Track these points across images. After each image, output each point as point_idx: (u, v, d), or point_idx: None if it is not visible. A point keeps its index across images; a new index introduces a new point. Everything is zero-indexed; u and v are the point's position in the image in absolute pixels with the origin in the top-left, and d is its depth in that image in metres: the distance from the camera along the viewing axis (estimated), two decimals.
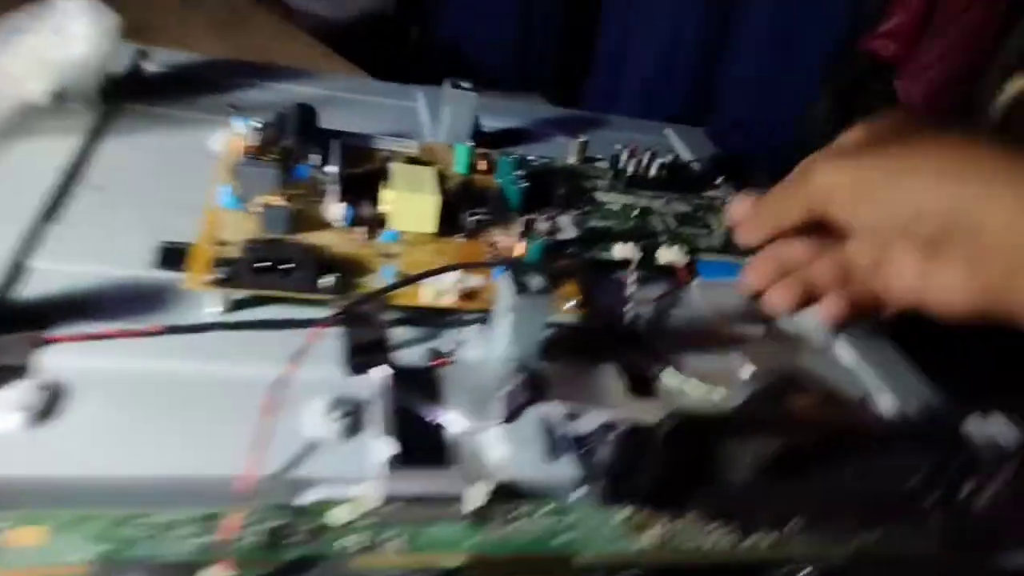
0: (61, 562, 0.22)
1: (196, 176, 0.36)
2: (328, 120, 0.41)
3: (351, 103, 0.49)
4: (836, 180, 0.25)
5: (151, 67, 0.46)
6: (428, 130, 0.47)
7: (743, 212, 0.28)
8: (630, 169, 0.44)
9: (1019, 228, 0.22)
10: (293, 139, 0.36)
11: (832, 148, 0.26)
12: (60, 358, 0.25)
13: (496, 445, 0.26)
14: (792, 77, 1.19)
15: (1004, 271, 0.23)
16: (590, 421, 0.28)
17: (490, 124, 0.50)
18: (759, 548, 0.29)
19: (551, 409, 0.28)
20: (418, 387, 0.27)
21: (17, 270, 0.28)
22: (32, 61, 0.33)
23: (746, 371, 0.31)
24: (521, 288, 0.27)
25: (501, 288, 0.28)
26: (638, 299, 0.34)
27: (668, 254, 0.38)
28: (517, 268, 0.28)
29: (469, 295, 0.31)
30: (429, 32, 1.72)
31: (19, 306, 0.27)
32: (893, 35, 1.05)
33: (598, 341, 0.32)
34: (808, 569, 0.29)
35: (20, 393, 0.23)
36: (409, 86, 0.54)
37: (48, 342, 0.25)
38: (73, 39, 0.34)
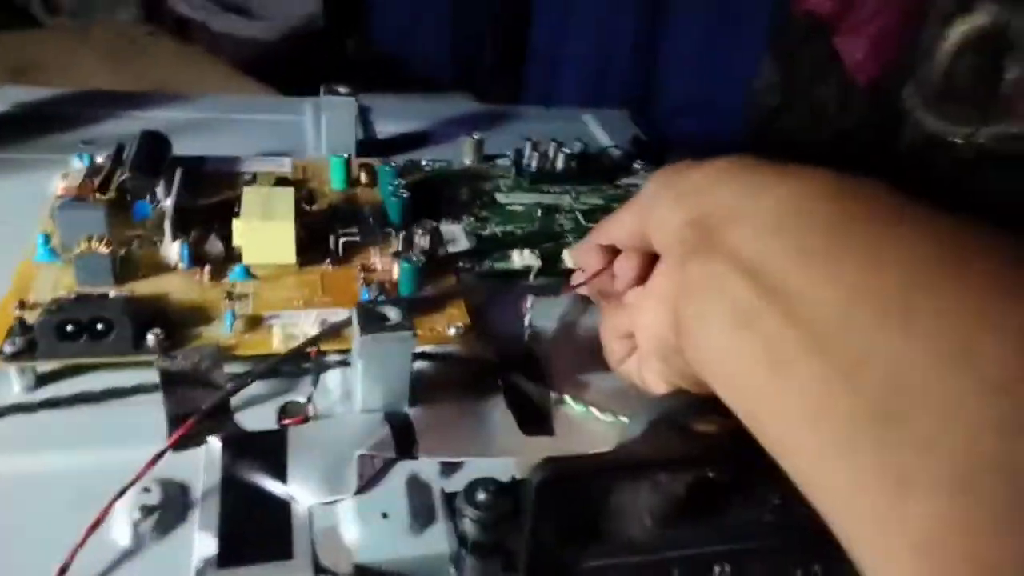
0: None
1: (21, 226, 0.31)
2: (202, 146, 0.37)
3: (235, 124, 0.44)
4: (656, 188, 0.23)
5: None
6: (312, 145, 0.43)
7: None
8: (533, 164, 0.40)
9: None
10: (130, 173, 0.31)
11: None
12: None
13: (349, 521, 0.22)
14: (734, 52, 1.15)
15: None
16: (470, 475, 0.24)
17: (387, 129, 0.45)
18: None
19: (421, 467, 0.24)
20: (256, 456, 0.23)
21: None
22: None
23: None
24: (371, 326, 0.23)
25: (354, 327, 0.24)
26: (538, 313, 0.30)
27: (572, 258, 0.33)
28: (372, 301, 0.24)
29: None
30: (365, 42, 1.68)
31: None
32: None
33: (485, 372, 0.27)
34: None
35: None
36: (299, 99, 0.49)
37: None
38: None
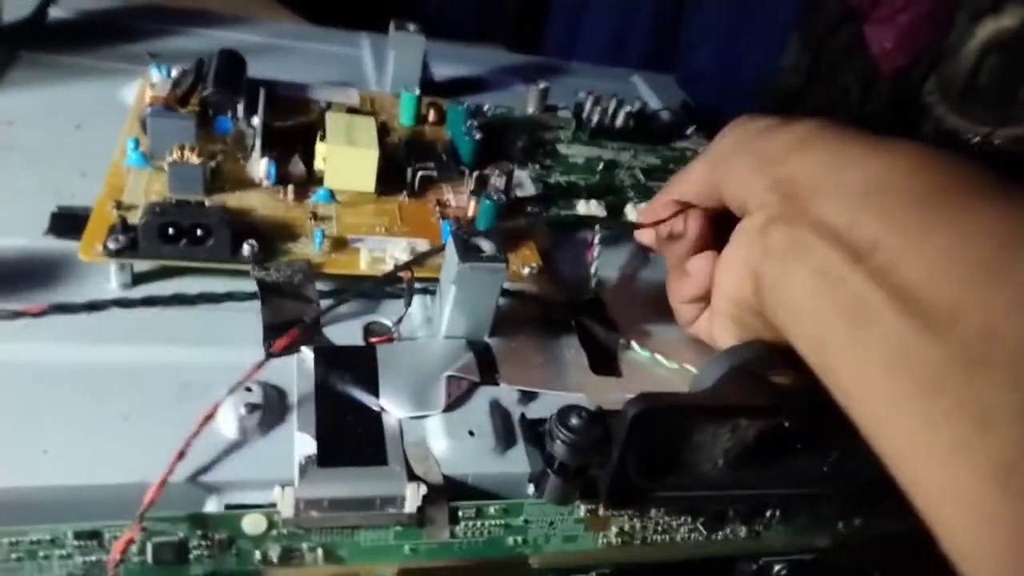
0: None
1: (102, 131, 0.32)
2: (262, 70, 0.37)
3: (290, 51, 0.44)
4: (732, 143, 0.25)
5: (58, 12, 0.41)
6: (373, 80, 0.43)
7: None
8: (594, 119, 0.40)
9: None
10: (213, 88, 0.31)
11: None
12: None
13: (437, 437, 0.23)
14: (760, 26, 1.15)
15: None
16: (545, 406, 0.25)
17: (443, 72, 0.45)
18: (733, 540, 0.26)
19: (501, 393, 0.25)
20: (348, 370, 0.24)
21: None
22: None
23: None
24: (469, 255, 0.24)
25: (447, 255, 0.25)
26: (603, 263, 0.31)
27: (637, 211, 0.34)
28: (465, 232, 0.25)
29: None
30: None
31: None
32: None
33: (557, 312, 0.29)
34: (783, 564, 0.27)
35: None
36: (354, 32, 0.49)
37: None
38: None
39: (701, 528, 0.26)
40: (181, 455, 0.20)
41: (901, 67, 1.09)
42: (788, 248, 0.21)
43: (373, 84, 0.42)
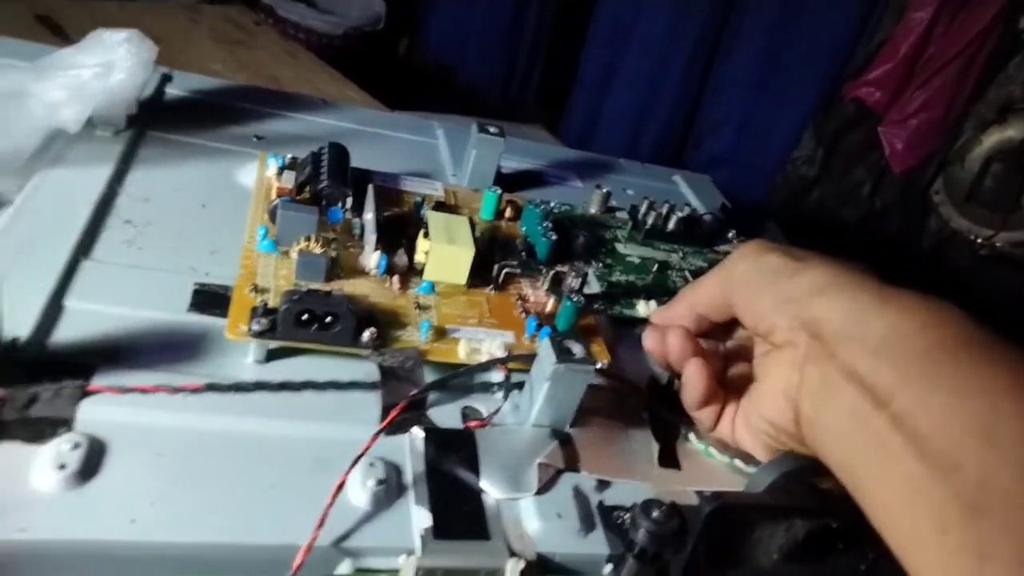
0: None
1: (225, 211, 0.36)
2: (352, 157, 0.41)
3: (372, 137, 0.49)
4: (749, 268, 0.29)
5: (174, 91, 0.45)
6: (448, 167, 0.48)
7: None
8: (649, 221, 0.44)
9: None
10: (328, 182, 0.35)
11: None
12: (101, 411, 0.25)
13: (530, 518, 0.26)
14: (775, 119, 1.21)
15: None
16: (621, 492, 0.28)
17: (504, 164, 0.50)
18: None
19: (582, 479, 0.28)
20: (452, 450, 0.27)
21: (56, 311, 0.28)
22: (70, 89, 0.33)
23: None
24: (563, 357, 0.28)
25: (542, 353, 0.29)
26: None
27: (648, 309, 0.38)
28: (559, 335, 0.28)
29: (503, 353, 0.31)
30: (416, 45, 1.73)
31: (58, 351, 0.26)
32: (878, 83, 1.08)
33: (625, 404, 0.32)
34: None
35: (61, 450, 0.23)
36: (428, 119, 0.54)
37: (87, 393, 0.25)
38: (113, 69, 0.34)
39: None
40: (321, 524, 0.23)
41: (911, 167, 1.14)
42: (822, 386, 0.25)
43: (449, 172, 0.47)
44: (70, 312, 0.28)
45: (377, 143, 0.48)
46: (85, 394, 0.25)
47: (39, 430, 0.23)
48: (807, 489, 0.27)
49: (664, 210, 0.45)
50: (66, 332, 0.27)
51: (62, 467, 0.22)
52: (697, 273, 0.43)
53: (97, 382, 0.25)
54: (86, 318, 0.28)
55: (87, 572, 0.22)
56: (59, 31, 0.65)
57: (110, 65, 0.33)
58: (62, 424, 0.24)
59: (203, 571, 0.23)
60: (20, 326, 0.26)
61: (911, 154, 1.09)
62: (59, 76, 0.33)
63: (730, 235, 0.48)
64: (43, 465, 0.22)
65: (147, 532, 0.22)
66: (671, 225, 0.45)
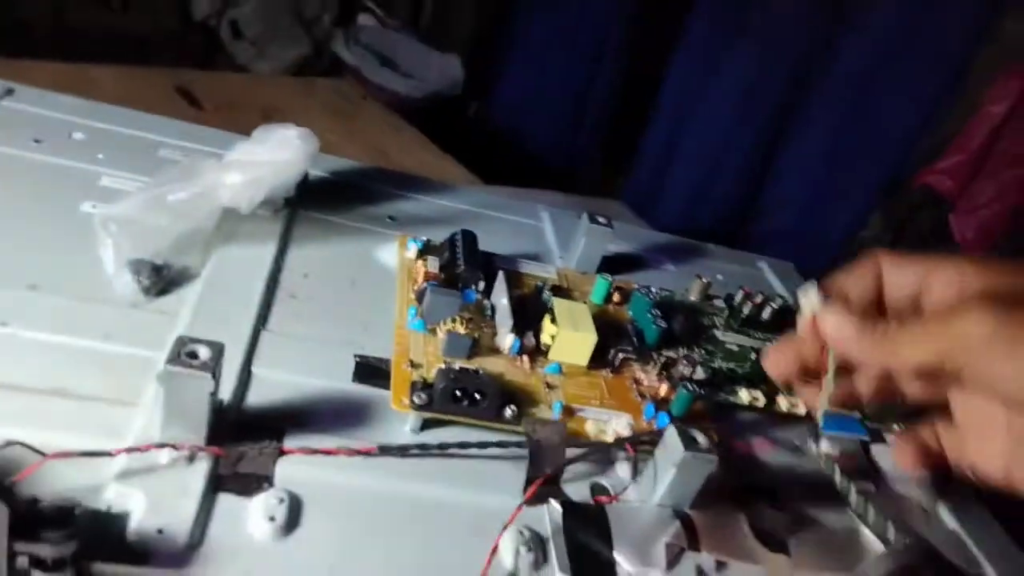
0: None
1: (371, 288, 0.41)
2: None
3: (484, 218, 0.53)
4: (993, 332, 0.25)
5: (315, 171, 0.50)
6: (555, 250, 0.52)
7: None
8: (745, 311, 0.47)
9: None
10: (465, 267, 0.40)
11: (976, 294, 0.27)
12: (293, 469, 0.29)
13: None
14: (839, 200, 1.24)
15: None
16: (738, 572, 0.31)
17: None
18: None
19: (703, 559, 0.31)
20: (587, 523, 0.31)
21: (247, 376, 0.32)
22: (249, 176, 0.38)
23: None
24: (691, 446, 0.31)
25: (668, 440, 0.32)
26: (764, 451, 0.37)
27: (787, 402, 0.41)
28: (683, 425, 0.32)
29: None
30: (486, 108, 1.80)
31: (251, 414, 0.30)
32: (950, 172, 1.10)
33: (732, 491, 0.35)
34: None
35: (270, 503, 0.27)
36: (533, 204, 0.58)
37: (283, 453, 0.29)
38: (284, 161, 0.39)
39: None
40: None
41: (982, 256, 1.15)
42: None
43: (556, 255, 0.51)
44: (257, 378, 0.32)
45: (489, 224, 0.52)
46: (281, 454, 0.29)
47: (247, 485, 0.27)
48: None
49: (759, 300, 0.48)
50: (256, 397, 0.31)
51: (272, 519, 0.26)
52: None
53: (287, 443, 0.29)
54: (270, 385, 0.32)
55: None
56: (195, 102, 0.72)
57: (287, 162, 0.38)
58: (265, 480, 0.28)
59: None
60: (222, 391, 0.30)
61: (982, 243, 1.10)
62: (243, 169, 0.38)
63: None
64: (256, 516, 0.26)
65: (344, 574, 0.26)
66: (765, 315, 0.48)
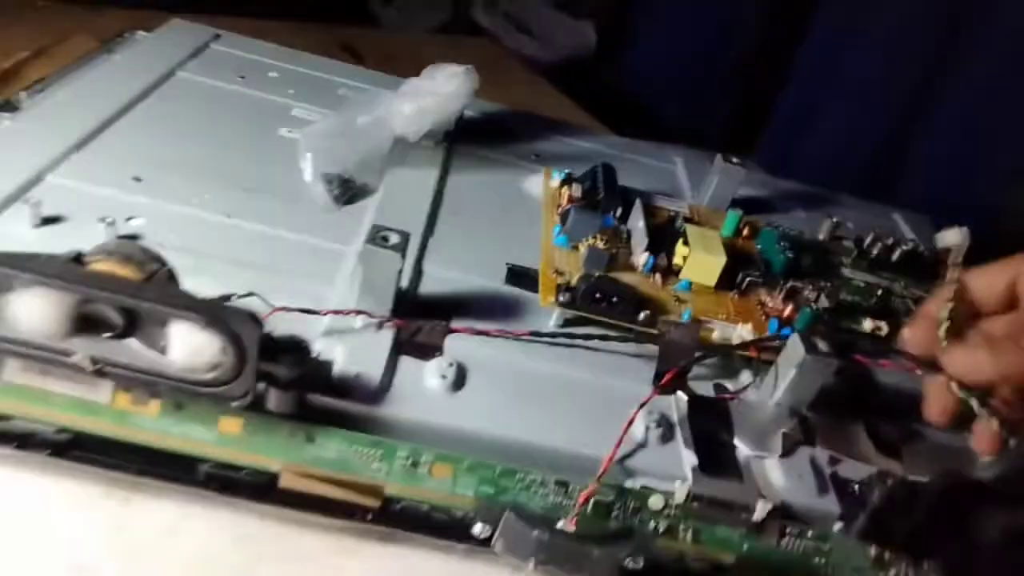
0: (459, 494, 0.30)
1: (520, 211, 0.45)
2: None
3: (621, 159, 0.56)
4: None
5: (469, 113, 0.55)
6: (687, 189, 0.54)
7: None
8: (874, 251, 0.49)
9: None
10: (605, 194, 0.44)
11: None
12: (460, 344, 0.34)
13: (775, 473, 0.32)
14: (988, 163, 1.17)
15: None
16: (851, 468, 0.34)
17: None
18: None
19: (817, 453, 0.34)
20: (711, 413, 0.34)
21: (419, 272, 0.38)
22: (420, 109, 0.43)
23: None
24: (811, 349, 0.33)
25: (791, 344, 0.34)
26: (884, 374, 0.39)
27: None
28: (808, 333, 0.34)
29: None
30: (619, 73, 1.81)
31: (423, 300, 0.36)
32: None
33: (850, 401, 0.37)
34: None
35: (442, 365, 0.32)
36: (665, 147, 0.61)
37: (451, 331, 0.34)
38: (449, 95, 0.44)
39: None
40: (618, 446, 0.31)
41: None
42: None
43: (688, 194, 0.54)
44: (427, 274, 0.38)
45: (626, 165, 0.55)
46: (449, 331, 0.34)
47: (423, 352, 0.33)
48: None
49: (889, 242, 0.49)
50: (427, 287, 0.37)
51: (443, 377, 0.31)
52: (919, 301, 0.47)
53: (454, 325, 0.35)
54: (437, 279, 0.38)
55: (455, 448, 0.30)
56: (356, 56, 0.79)
57: (451, 95, 0.43)
58: (436, 350, 0.33)
59: (529, 462, 0.30)
60: (401, 281, 0.36)
61: None
62: (415, 99, 0.43)
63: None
64: (431, 373, 0.32)
65: (499, 428, 0.31)
66: (895, 256, 0.49)
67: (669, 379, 0.34)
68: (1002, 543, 0.30)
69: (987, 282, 0.32)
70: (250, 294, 0.30)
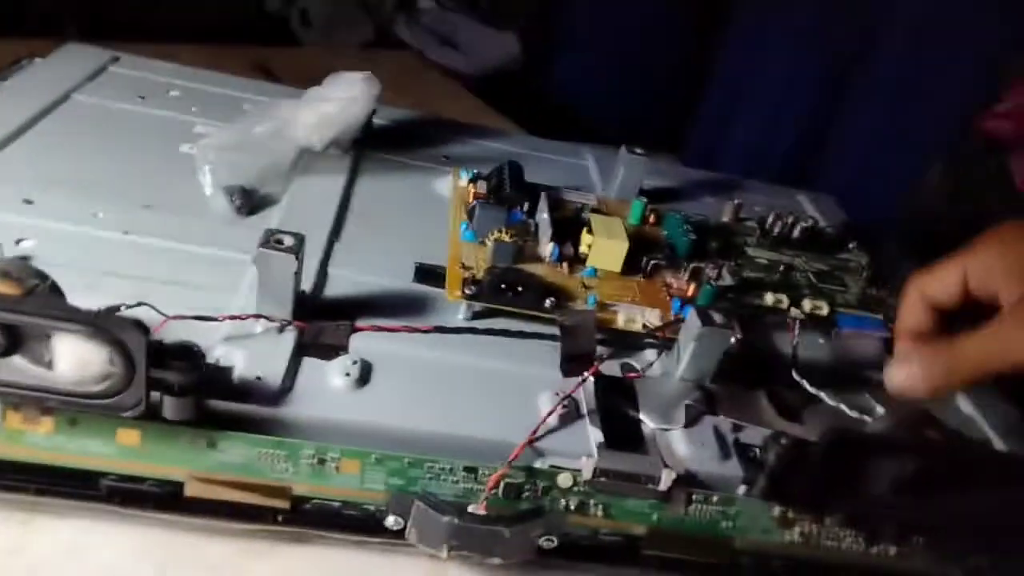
0: (368, 489, 0.30)
1: (427, 212, 0.46)
2: None
3: (532, 158, 0.57)
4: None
5: (378, 120, 0.56)
6: (598, 184, 0.56)
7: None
8: (776, 230, 0.51)
9: None
10: (511, 190, 0.44)
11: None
12: (365, 343, 0.34)
13: (680, 443, 0.33)
14: (900, 151, 1.22)
15: None
16: (753, 434, 0.35)
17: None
18: (885, 556, 0.35)
19: (720, 421, 0.35)
20: (616, 392, 0.35)
21: (324, 276, 0.38)
22: (322, 117, 0.43)
23: (878, 412, 0.37)
24: (707, 321, 0.35)
25: (689, 320, 0.36)
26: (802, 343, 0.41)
27: (811, 305, 0.44)
28: (704, 308, 0.36)
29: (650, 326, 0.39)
30: (543, 84, 1.84)
31: (328, 302, 0.36)
32: (1009, 116, 1.07)
33: (752, 372, 0.39)
34: None
35: (345, 363, 0.32)
36: (577, 145, 0.62)
37: (356, 330, 0.34)
38: (352, 102, 0.44)
39: (861, 541, 0.34)
40: (535, 431, 0.31)
41: None
42: None
43: (599, 187, 0.55)
44: (332, 277, 0.38)
45: (537, 163, 0.57)
46: (354, 330, 0.34)
47: (326, 352, 0.33)
48: (918, 435, 0.33)
49: (789, 220, 0.51)
50: (332, 290, 0.37)
51: (347, 375, 0.32)
52: (820, 275, 0.49)
53: (358, 324, 0.35)
54: (343, 282, 0.38)
55: (361, 444, 0.31)
56: (272, 75, 0.79)
57: (353, 100, 0.44)
58: (341, 349, 0.33)
59: (439, 453, 0.31)
60: (304, 285, 0.36)
61: None
62: (314, 107, 0.43)
63: (851, 245, 0.54)
64: (334, 372, 0.32)
65: (407, 421, 0.31)
66: (796, 234, 0.51)
67: (588, 375, 0.34)
68: (892, 492, 0.32)
69: (940, 286, 0.33)
70: (139, 304, 0.29)
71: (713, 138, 1.48)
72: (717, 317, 0.35)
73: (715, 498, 0.32)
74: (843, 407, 0.36)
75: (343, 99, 0.43)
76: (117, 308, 0.28)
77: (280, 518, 0.30)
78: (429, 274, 0.40)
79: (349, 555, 0.31)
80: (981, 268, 0.32)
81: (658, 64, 1.72)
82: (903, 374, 0.32)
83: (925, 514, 0.33)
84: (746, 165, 1.43)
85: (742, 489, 0.33)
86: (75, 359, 0.25)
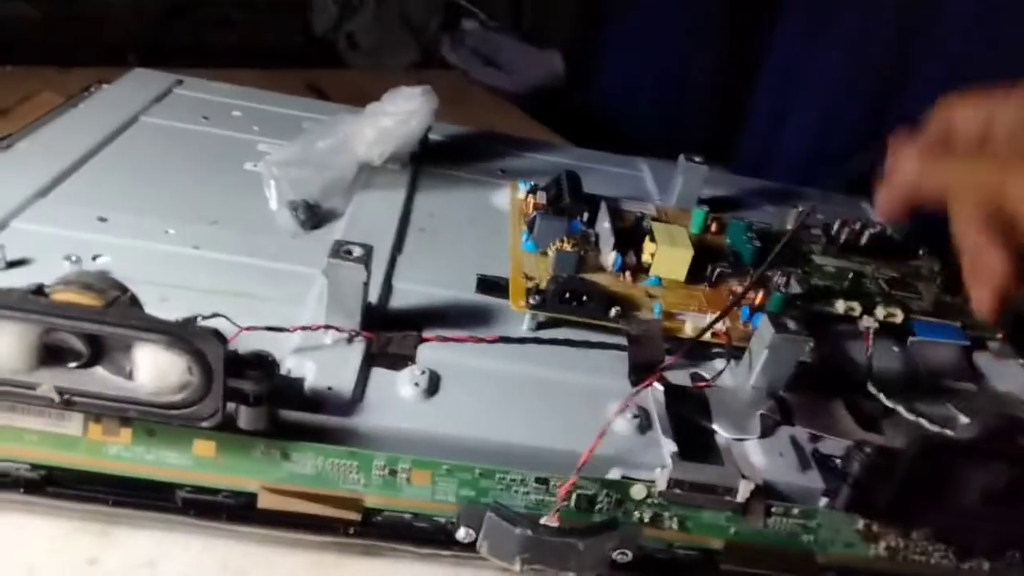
0: (439, 500, 0.30)
1: (486, 225, 0.45)
2: None
3: (587, 169, 0.57)
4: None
5: (434, 136, 0.56)
6: (655, 194, 0.55)
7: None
8: (843, 236, 0.49)
9: None
10: (570, 200, 0.44)
11: None
12: (431, 354, 0.34)
13: (756, 454, 0.32)
14: None
15: None
16: (831, 444, 0.34)
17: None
18: (978, 572, 0.33)
19: (797, 431, 0.34)
20: (687, 402, 0.34)
21: (388, 288, 0.38)
22: (381, 131, 0.44)
23: (961, 423, 0.35)
24: (781, 329, 0.34)
25: (761, 327, 0.35)
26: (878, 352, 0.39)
27: (884, 312, 0.43)
28: (777, 315, 0.35)
29: (718, 333, 0.38)
30: (589, 99, 1.84)
31: (394, 314, 0.36)
32: None
33: (824, 381, 0.37)
34: None
35: (415, 374, 0.32)
36: (632, 157, 0.62)
37: (423, 340, 0.34)
38: (410, 116, 0.44)
39: (951, 556, 0.33)
40: (599, 438, 0.31)
41: None
42: None
43: (656, 198, 0.54)
44: (396, 289, 0.38)
45: (592, 175, 0.56)
46: (421, 341, 0.34)
47: (395, 362, 0.33)
48: (1009, 442, 0.31)
49: (857, 227, 0.50)
50: (397, 302, 0.37)
51: (416, 385, 0.31)
52: (891, 282, 0.47)
53: (426, 335, 0.35)
54: (407, 293, 0.38)
55: (431, 454, 0.30)
56: (324, 96, 0.80)
57: (411, 113, 0.44)
58: (409, 359, 0.33)
59: (508, 464, 0.30)
60: (369, 297, 0.36)
61: None
62: (374, 122, 0.44)
63: (920, 252, 0.52)
64: (403, 382, 0.32)
65: (476, 431, 0.31)
66: (863, 240, 0.50)
67: (650, 382, 0.34)
68: (983, 503, 0.30)
69: (968, 112, 0.31)
70: (215, 315, 0.30)
71: (763, 146, 1.46)
72: (791, 324, 0.34)
73: (795, 510, 0.31)
74: (923, 420, 0.35)
75: (402, 113, 0.43)
76: (193, 319, 0.29)
77: (352, 530, 0.30)
78: (491, 285, 0.39)
79: (420, 568, 0.31)
80: (1012, 117, 0.30)
81: (702, 75, 1.71)
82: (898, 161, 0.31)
83: (1020, 526, 0.31)
84: (798, 173, 1.41)
85: (823, 501, 0.32)
86: (155, 369, 0.26)
